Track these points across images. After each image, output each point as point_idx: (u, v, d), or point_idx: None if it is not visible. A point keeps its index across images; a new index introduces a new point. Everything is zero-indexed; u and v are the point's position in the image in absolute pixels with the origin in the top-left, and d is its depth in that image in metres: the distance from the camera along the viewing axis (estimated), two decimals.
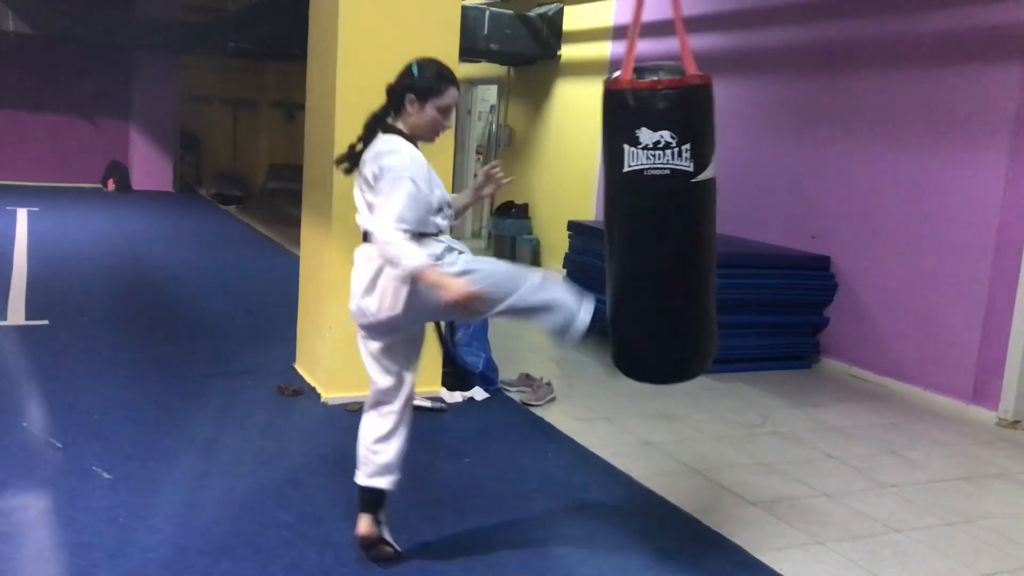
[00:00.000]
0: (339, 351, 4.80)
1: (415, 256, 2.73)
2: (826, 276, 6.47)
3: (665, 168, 2.86)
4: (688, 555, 3.41)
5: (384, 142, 2.88)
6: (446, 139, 4.91)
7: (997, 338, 5.37)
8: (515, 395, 5.17)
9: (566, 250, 7.74)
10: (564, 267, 7.69)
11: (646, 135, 2.85)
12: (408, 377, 3.09)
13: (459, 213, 3.24)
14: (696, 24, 7.83)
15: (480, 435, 4.55)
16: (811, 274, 6.45)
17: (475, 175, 12.05)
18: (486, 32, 9.45)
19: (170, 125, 15.67)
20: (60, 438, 4.07)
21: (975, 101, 5.50)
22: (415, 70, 2.90)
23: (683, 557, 3.39)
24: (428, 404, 4.82)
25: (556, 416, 4.90)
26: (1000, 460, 4.74)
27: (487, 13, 9.44)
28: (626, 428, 4.80)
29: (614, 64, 8.92)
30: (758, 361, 6.28)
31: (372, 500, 3.10)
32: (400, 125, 2.93)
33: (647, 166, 2.86)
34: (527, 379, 5.29)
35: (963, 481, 4.39)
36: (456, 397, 5.02)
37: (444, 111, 2.92)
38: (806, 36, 6.78)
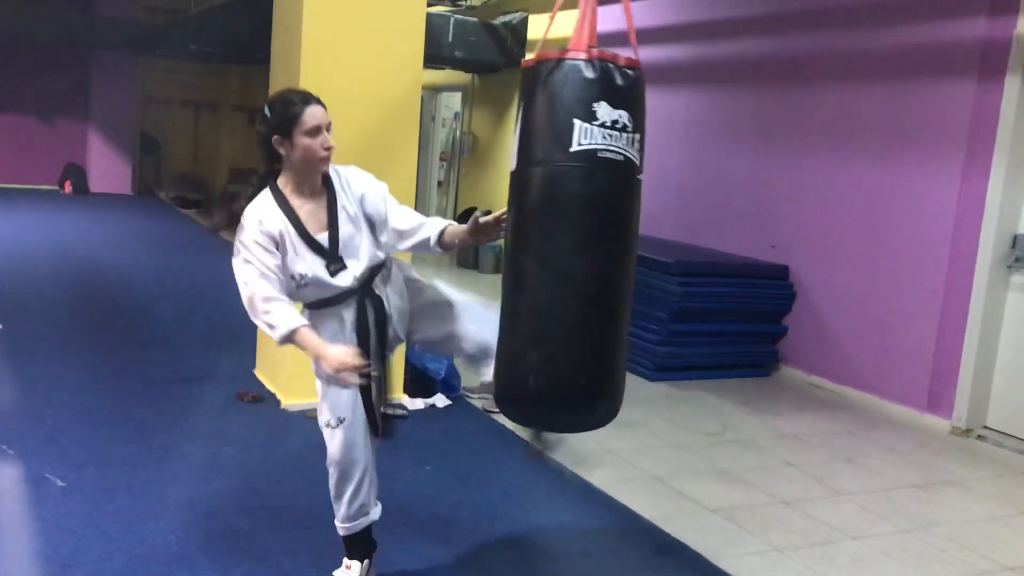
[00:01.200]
0: (299, 357, 4.72)
1: (282, 320, 2.59)
2: (785, 285, 6.55)
3: (620, 153, 2.42)
4: (648, 562, 3.43)
5: (248, 208, 2.69)
6: (409, 146, 4.91)
7: (951, 348, 5.47)
8: (477, 402, 5.17)
9: None
10: None
11: (605, 111, 2.41)
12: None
13: (449, 248, 2.87)
14: (657, 35, 7.90)
15: (442, 442, 4.54)
16: (770, 283, 6.52)
17: (439, 182, 12.04)
18: (451, 39, 9.45)
19: (129, 127, 15.46)
20: (12, 444, 3.99)
21: (930, 114, 5.61)
22: (267, 112, 2.64)
23: (643, 564, 3.41)
24: (389, 411, 4.79)
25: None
26: (954, 468, 4.83)
27: (452, 20, 9.44)
28: (586, 435, 4.77)
29: None
30: (718, 369, 6.34)
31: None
32: (284, 177, 2.69)
33: (602, 146, 2.39)
34: (490, 386, 5.27)
35: (918, 489, 4.46)
36: (418, 404, 5.00)
37: (313, 132, 2.60)
38: (765, 49, 6.87)
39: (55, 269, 8.32)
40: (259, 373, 5.27)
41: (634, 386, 5.88)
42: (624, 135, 2.43)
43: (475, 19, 9.70)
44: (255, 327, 5.38)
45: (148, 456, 4.00)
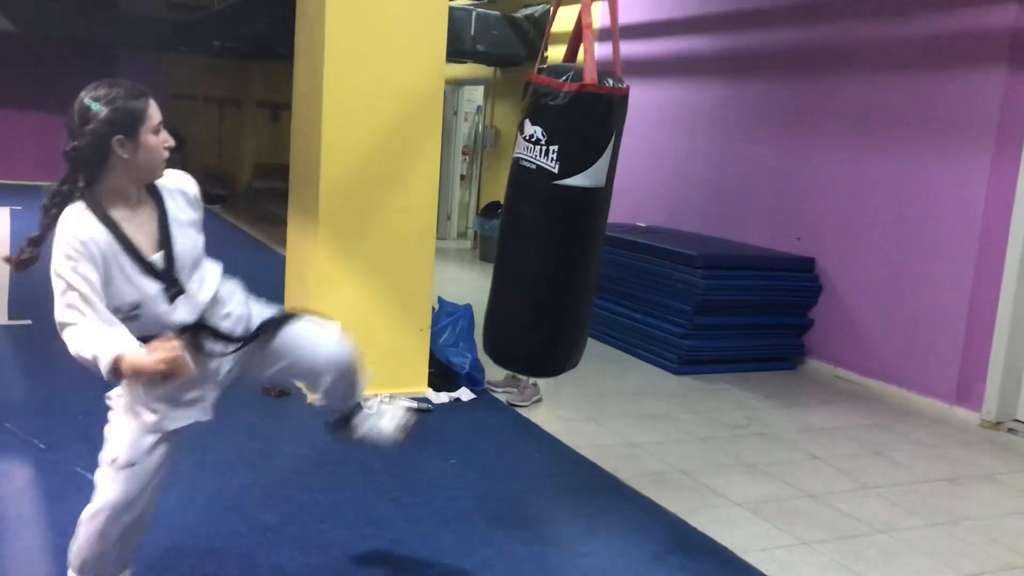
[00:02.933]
0: None
1: (94, 344, 2.11)
2: (811, 278, 6.50)
3: (532, 163, 3.00)
4: (674, 556, 3.42)
5: (62, 219, 2.18)
6: (432, 140, 4.91)
7: (980, 339, 5.41)
8: (501, 396, 5.17)
9: None
10: None
11: (528, 127, 3.01)
12: None
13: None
14: (681, 27, 7.86)
15: (466, 436, 4.55)
16: (796, 275, 6.48)
17: (461, 176, 12.05)
18: (473, 33, 9.45)
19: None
20: (44, 439, 4.04)
21: (959, 103, 5.54)
22: (96, 106, 2.15)
23: (669, 558, 3.40)
24: (414, 405, 4.80)
25: (542, 417, 4.90)
26: (984, 461, 4.78)
27: (474, 14, 9.43)
28: (612, 429, 4.81)
29: (602, 66, 8.92)
30: (743, 362, 6.30)
31: None
32: (104, 186, 2.21)
33: (524, 156, 3.02)
34: (513, 380, 5.28)
35: (947, 482, 4.42)
36: (442, 398, 5.01)
37: (157, 130, 2.21)
38: (791, 39, 6.81)
39: None
40: None
41: (659, 379, 5.88)
42: (538, 147, 2.97)
43: (497, 12, 9.68)
44: None
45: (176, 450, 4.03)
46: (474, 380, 5.18)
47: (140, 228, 2.23)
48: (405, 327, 4.93)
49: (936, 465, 4.66)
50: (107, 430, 2.48)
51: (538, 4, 9.83)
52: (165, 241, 2.25)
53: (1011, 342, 5.28)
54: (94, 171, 2.20)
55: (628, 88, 3.08)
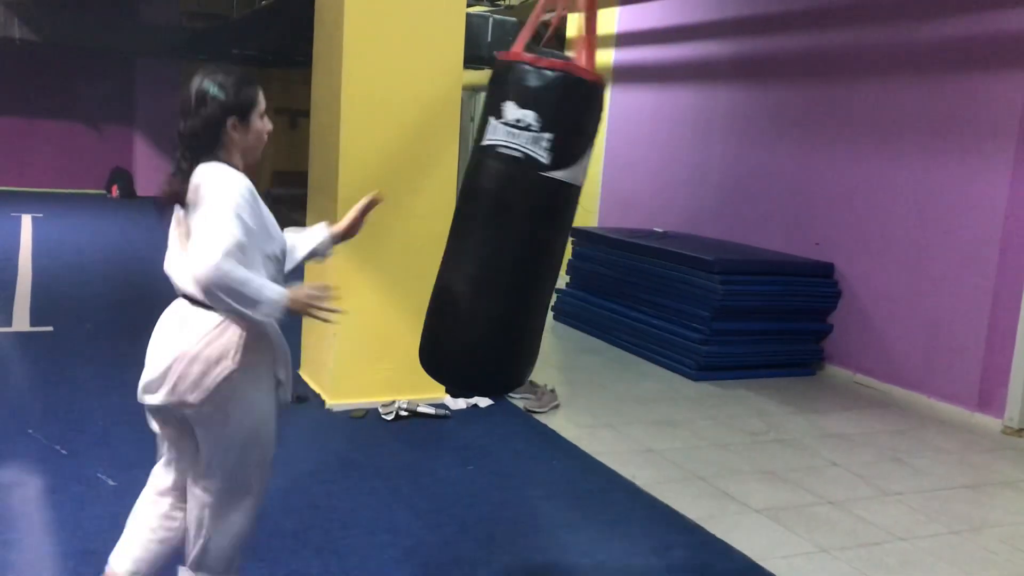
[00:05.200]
0: (344, 357, 4.81)
1: (266, 287, 2.18)
2: (830, 283, 6.47)
3: (517, 150, 2.60)
4: (694, 563, 3.41)
5: (208, 170, 2.32)
6: (450, 146, 4.93)
7: (1002, 346, 5.36)
8: (519, 402, 5.17)
9: (569, 257, 7.74)
10: (568, 274, 7.70)
11: (511, 110, 2.61)
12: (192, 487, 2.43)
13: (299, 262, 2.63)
14: (697, 32, 7.85)
15: (484, 442, 4.55)
16: (815, 281, 6.44)
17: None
18: (490, 39, 9.45)
19: (174, 131, 15.61)
20: (65, 445, 4.08)
21: (979, 107, 5.50)
22: (217, 91, 2.32)
23: (689, 565, 3.39)
24: (432, 411, 4.82)
25: (560, 423, 4.90)
26: (1006, 468, 4.73)
27: (491, 20, 9.45)
28: (630, 435, 4.80)
29: (617, 71, 8.93)
30: (761, 368, 6.27)
31: None
32: (224, 158, 2.37)
33: (501, 142, 2.60)
34: (531, 386, 5.28)
35: (969, 489, 4.38)
36: (460, 404, 5.01)
37: (263, 115, 2.43)
38: (809, 42, 6.79)
39: (103, 272, 8.48)
40: (304, 373, 5.32)
41: (677, 385, 5.86)
42: (527, 134, 2.58)
43: (514, 19, 9.69)
44: (299, 327, 5.45)
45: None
46: None
47: None
48: None
49: (957, 472, 4.62)
50: (234, 412, 2.32)
51: (554, 11, 9.83)
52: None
53: None
54: (207, 150, 2.34)
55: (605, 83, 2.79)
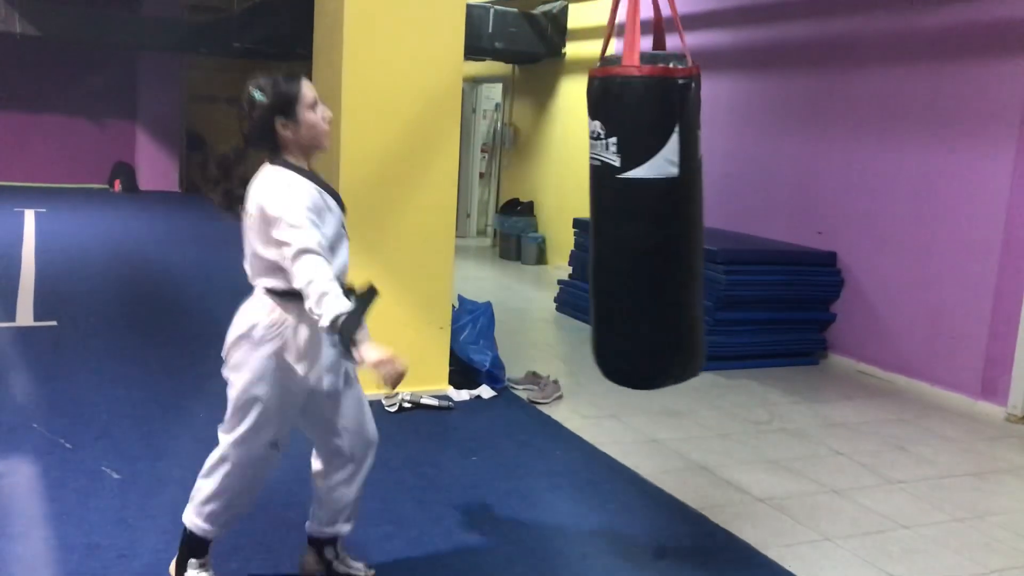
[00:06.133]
0: None
1: (334, 301, 2.30)
2: (833, 272, 6.46)
3: (596, 159, 2.84)
4: (697, 553, 3.41)
5: (268, 181, 2.51)
6: (451, 138, 4.92)
7: (1005, 333, 5.35)
8: (522, 393, 5.17)
9: (572, 248, 7.74)
10: (570, 264, 7.70)
11: (591, 124, 2.85)
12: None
13: None
14: (701, 20, 7.82)
15: (487, 433, 4.56)
16: (818, 270, 6.44)
17: (480, 174, 12.06)
18: (491, 30, 9.45)
19: (176, 125, 15.70)
20: (69, 438, 4.09)
21: (982, 95, 5.48)
22: (259, 95, 2.51)
23: (692, 555, 3.39)
24: (435, 402, 4.83)
25: (563, 414, 4.90)
26: (1010, 456, 4.73)
27: (491, 11, 9.43)
28: (633, 425, 4.80)
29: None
30: (765, 357, 6.27)
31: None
32: (288, 158, 2.56)
33: (592, 155, 2.87)
34: (534, 377, 5.29)
35: (973, 477, 4.38)
36: (463, 395, 5.02)
37: (313, 105, 2.55)
38: (812, 31, 6.77)
39: (107, 266, 8.49)
40: None
41: None
42: (598, 143, 2.79)
43: (515, 9, 9.68)
44: None
45: (199, 449, 4.04)
46: (495, 377, 5.19)
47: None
48: (425, 325, 4.94)
49: (961, 460, 4.62)
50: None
51: (555, 1, 9.82)
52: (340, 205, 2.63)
53: None
54: (268, 148, 2.54)
55: (695, 69, 2.84)
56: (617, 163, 2.75)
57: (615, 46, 2.98)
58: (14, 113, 14.81)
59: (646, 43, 2.85)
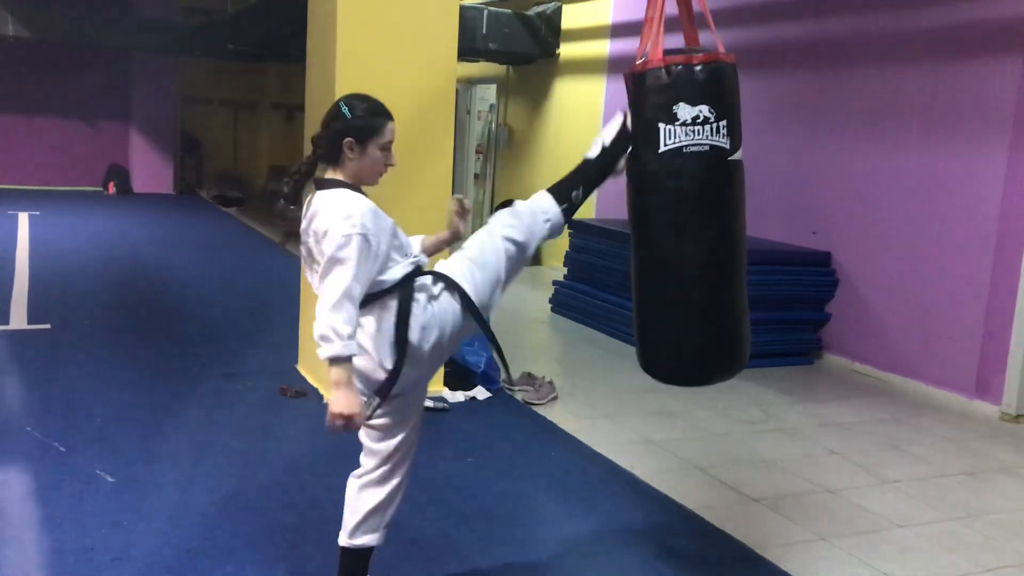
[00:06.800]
0: None
1: (337, 343, 2.35)
2: (827, 272, 6.47)
3: (704, 144, 2.77)
4: (693, 553, 3.41)
5: (325, 199, 2.50)
6: (445, 139, 4.92)
7: (999, 332, 5.36)
8: (517, 394, 5.17)
9: (566, 249, 7.74)
10: (565, 265, 7.69)
11: (684, 110, 2.75)
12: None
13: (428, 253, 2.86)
14: (696, 21, 7.82)
15: (483, 435, 4.56)
16: (812, 270, 6.45)
17: (475, 175, 12.05)
18: (484, 31, 9.45)
19: (170, 127, 15.67)
20: (63, 442, 4.08)
21: (975, 95, 5.50)
22: (346, 111, 2.54)
23: (687, 555, 3.39)
24: (430, 404, 4.82)
25: (558, 415, 4.91)
26: (1004, 455, 4.74)
27: (485, 12, 9.43)
28: (628, 426, 4.80)
29: (613, 62, 8.91)
30: (759, 357, 6.23)
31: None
32: (339, 175, 2.56)
33: (687, 143, 2.76)
34: (529, 378, 5.29)
35: (967, 476, 4.39)
36: (458, 396, 5.02)
37: (386, 147, 2.59)
38: (805, 32, 6.78)
39: (101, 269, 8.47)
40: (301, 368, 5.33)
41: None
42: (707, 127, 2.76)
43: (509, 10, 9.68)
44: (296, 322, 5.44)
45: (194, 452, 4.06)
46: (490, 379, 5.19)
47: None
48: None
49: (955, 459, 4.63)
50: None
51: (549, 2, 9.82)
52: None
53: None
54: (327, 159, 2.55)
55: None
56: (727, 146, 2.81)
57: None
58: (8, 115, 14.78)
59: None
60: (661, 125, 2.75)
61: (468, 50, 9.02)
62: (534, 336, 7.03)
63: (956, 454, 4.71)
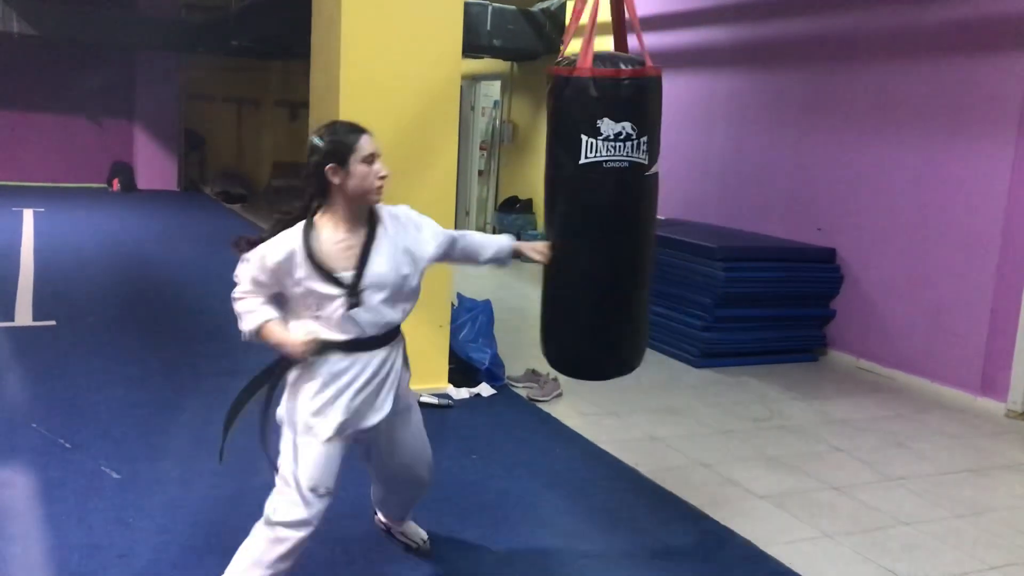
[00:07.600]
0: None
1: (250, 316, 2.70)
2: (832, 268, 6.46)
3: (624, 161, 2.81)
4: (698, 550, 3.41)
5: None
6: (449, 136, 4.92)
7: (1005, 329, 5.35)
8: (522, 391, 5.17)
9: None
10: None
11: (608, 126, 2.78)
12: None
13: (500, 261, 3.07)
14: (696, 17, 7.81)
15: (487, 431, 4.55)
16: (817, 266, 6.43)
17: (479, 171, 12.05)
18: (489, 28, 9.43)
19: (174, 124, 15.69)
20: (69, 438, 4.08)
21: (981, 91, 5.48)
22: (317, 141, 2.56)
23: (692, 552, 3.39)
24: (435, 401, 4.82)
25: (563, 411, 4.90)
26: (1009, 452, 4.73)
27: (489, 9, 9.42)
28: (633, 423, 4.80)
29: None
30: (764, 354, 6.27)
31: None
32: (328, 211, 2.57)
33: (607, 158, 2.80)
34: (533, 375, 5.28)
35: (972, 473, 4.38)
36: (463, 393, 5.02)
37: (369, 160, 2.54)
38: (810, 27, 6.76)
39: (105, 266, 8.48)
40: None
41: (679, 373, 5.86)
42: (628, 143, 2.78)
43: (513, 7, 9.66)
44: None
45: (198, 449, 4.06)
46: (494, 375, 5.18)
47: (348, 248, 2.55)
48: (425, 323, 4.93)
49: (961, 456, 4.62)
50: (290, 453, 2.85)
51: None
52: (361, 264, 2.56)
53: None
54: (318, 195, 2.56)
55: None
56: (646, 162, 2.84)
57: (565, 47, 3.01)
58: (12, 113, 14.80)
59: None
60: (583, 137, 2.78)
61: (472, 46, 9.00)
62: (538, 333, 7.02)
63: (961, 451, 4.70)
